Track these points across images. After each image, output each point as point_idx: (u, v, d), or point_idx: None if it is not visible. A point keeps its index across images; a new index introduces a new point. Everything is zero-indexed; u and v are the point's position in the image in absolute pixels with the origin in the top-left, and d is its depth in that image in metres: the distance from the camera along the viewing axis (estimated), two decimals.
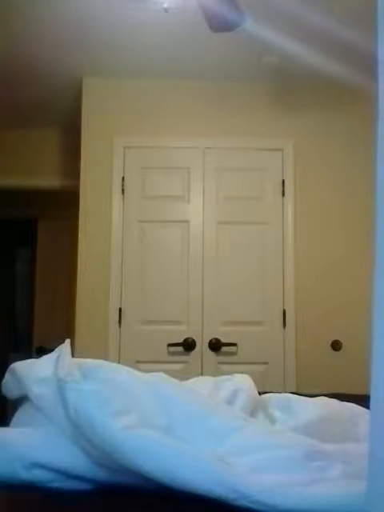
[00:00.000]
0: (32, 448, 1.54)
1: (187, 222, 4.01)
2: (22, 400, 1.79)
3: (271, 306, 3.94)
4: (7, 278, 6.44)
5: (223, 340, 3.88)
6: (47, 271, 5.77)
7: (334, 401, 2.17)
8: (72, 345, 1.82)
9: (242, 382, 2.07)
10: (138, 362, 3.59)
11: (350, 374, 3.57)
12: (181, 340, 3.88)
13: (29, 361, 1.84)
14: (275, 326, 3.92)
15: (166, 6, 2.56)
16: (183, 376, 2.16)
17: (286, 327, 3.91)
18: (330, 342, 3.89)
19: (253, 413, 1.94)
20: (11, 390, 1.82)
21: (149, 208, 4.03)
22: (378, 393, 0.94)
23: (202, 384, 2.09)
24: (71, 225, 4.30)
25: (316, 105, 4.03)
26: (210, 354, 3.88)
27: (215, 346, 3.88)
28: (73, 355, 1.76)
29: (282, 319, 3.92)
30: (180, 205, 4.04)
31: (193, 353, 3.88)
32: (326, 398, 2.18)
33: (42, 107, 4.38)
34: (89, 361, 1.82)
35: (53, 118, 4.58)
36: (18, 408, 1.80)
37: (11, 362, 1.86)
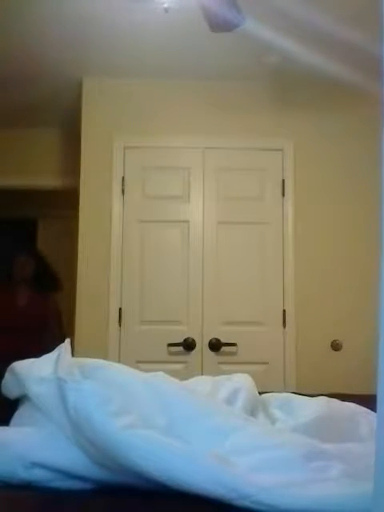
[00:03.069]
0: (32, 448, 1.54)
1: (187, 222, 4.01)
2: (22, 400, 1.79)
3: (271, 305, 3.93)
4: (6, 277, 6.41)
5: (223, 340, 3.88)
6: None
7: (334, 400, 2.17)
8: (72, 345, 1.82)
9: (241, 382, 2.07)
10: (138, 361, 3.58)
11: (350, 374, 3.57)
12: (181, 340, 3.88)
13: (29, 360, 1.84)
14: (275, 326, 3.92)
15: (166, 6, 2.55)
16: (183, 376, 2.16)
17: (286, 327, 3.91)
18: (330, 342, 3.89)
19: (253, 412, 1.94)
20: (11, 389, 1.82)
21: (149, 208, 4.03)
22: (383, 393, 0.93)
23: (201, 384, 2.09)
24: (71, 225, 4.30)
25: (316, 105, 4.03)
26: (210, 353, 3.88)
27: (215, 345, 3.88)
28: (73, 355, 1.76)
29: (281, 319, 3.92)
30: (180, 205, 4.04)
31: (193, 353, 3.88)
32: (326, 398, 2.18)
33: (42, 107, 4.38)
34: (89, 360, 1.82)
35: (53, 117, 4.58)
36: (18, 408, 1.80)
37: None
